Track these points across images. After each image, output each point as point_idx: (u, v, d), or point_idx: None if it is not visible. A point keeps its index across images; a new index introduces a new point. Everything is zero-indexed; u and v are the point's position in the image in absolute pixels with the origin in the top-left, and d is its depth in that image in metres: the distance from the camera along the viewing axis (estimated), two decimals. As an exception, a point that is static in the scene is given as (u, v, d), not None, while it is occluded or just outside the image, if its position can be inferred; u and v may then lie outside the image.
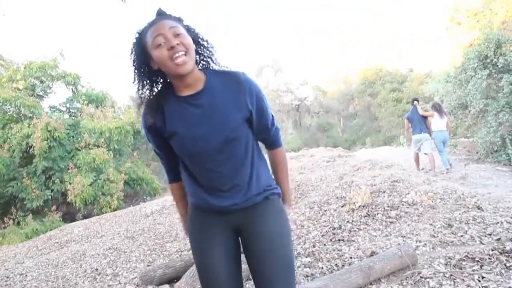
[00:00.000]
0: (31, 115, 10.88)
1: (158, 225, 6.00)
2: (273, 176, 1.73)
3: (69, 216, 10.64)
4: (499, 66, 9.41)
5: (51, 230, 8.23)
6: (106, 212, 9.29)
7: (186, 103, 1.51)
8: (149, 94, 1.56)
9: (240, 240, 1.67)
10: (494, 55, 9.57)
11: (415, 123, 8.51)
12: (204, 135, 1.49)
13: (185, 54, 1.40)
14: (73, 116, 12.96)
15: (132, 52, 1.51)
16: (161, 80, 1.59)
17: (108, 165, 10.58)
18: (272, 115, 1.67)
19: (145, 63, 1.50)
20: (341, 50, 63.12)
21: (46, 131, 10.07)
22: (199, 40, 1.55)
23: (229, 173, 1.55)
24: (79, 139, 11.05)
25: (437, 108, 8.64)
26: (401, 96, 31.03)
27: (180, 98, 1.52)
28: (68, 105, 13.49)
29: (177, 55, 1.39)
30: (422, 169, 8.70)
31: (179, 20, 1.51)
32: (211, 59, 1.58)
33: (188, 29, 1.52)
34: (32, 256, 5.97)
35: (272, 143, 1.71)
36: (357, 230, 4.02)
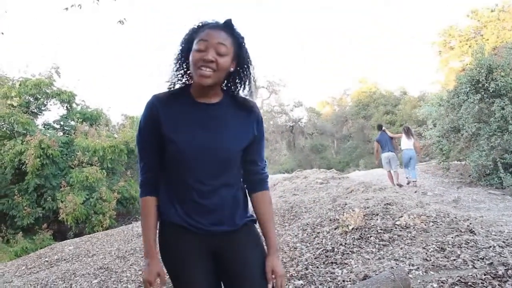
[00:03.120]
0: (25, 132, 10.85)
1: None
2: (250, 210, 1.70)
3: (60, 235, 10.51)
4: (491, 91, 9.55)
5: (41, 248, 8.11)
6: (98, 231, 9.19)
7: (199, 108, 1.52)
8: (180, 79, 1.57)
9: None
10: (485, 80, 9.73)
11: (383, 144, 9.93)
12: (204, 143, 1.49)
13: (213, 71, 1.42)
14: (67, 134, 12.92)
15: (186, 34, 1.53)
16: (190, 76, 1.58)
17: (101, 184, 10.51)
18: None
19: (187, 52, 1.51)
20: (341, 52, 63.87)
21: (39, 148, 10.04)
22: (244, 66, 1.55)
23: (218, 189, 1.54)
24: (73, 157, 11.03)
25: (405, 131, 10.23)
26: (395, 118, 31.31)
27: (194, 101, 1.53)
28: (62, 123, 13.48)
29: (203, 69, 1.41)
30: (401, 185, 9.27)
31: (238, 39, 1.51)
32: (242, 87, 1.58)
33: (241, 50, 1.52)
34: (21, 275, 5.87)
35: (261, 181, 1.67)
36: (350, 253, 4.00)
